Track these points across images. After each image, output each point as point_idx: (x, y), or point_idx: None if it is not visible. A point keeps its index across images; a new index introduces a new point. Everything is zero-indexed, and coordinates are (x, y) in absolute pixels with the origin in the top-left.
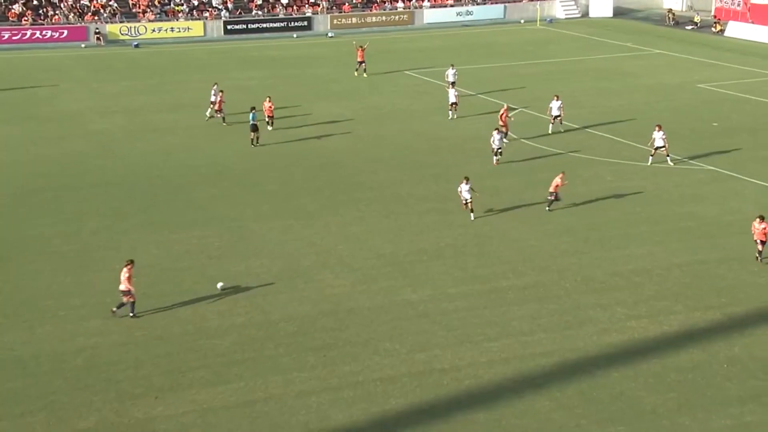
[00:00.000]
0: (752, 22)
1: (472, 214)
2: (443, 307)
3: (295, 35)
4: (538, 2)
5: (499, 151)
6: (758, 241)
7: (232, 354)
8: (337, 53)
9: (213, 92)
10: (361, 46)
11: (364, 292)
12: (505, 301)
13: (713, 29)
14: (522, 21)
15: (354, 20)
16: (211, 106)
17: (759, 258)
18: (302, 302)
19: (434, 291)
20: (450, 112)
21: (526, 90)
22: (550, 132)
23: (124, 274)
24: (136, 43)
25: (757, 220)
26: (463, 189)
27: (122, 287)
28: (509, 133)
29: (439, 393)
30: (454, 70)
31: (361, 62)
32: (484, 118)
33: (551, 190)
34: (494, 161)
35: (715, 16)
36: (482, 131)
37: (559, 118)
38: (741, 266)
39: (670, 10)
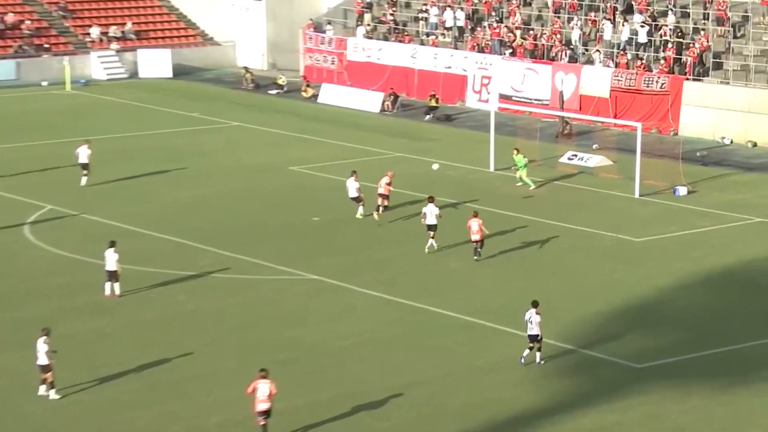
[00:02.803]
0: (350, 85)
1: None
2: None
3: None
4: (66, 58)
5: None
6: (475, 240)
7: None
8: None
9: None
10: None
11: None
12: None
13: (304, 93)
14: (44, 83)
15: None
16: None
17: (478, 255)
18: None
19: None
20: None
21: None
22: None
23: None
24: None
25: (473, 217)
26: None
27: None
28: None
29: None
30: None
31: None
32: None
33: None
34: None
35: (304, 78)
36: None
37: None
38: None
39: (246, 70)
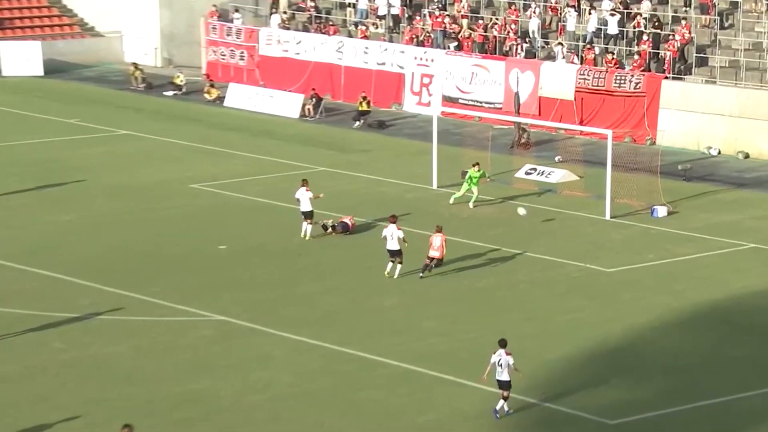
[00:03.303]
0: (263, 85)
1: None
2: None
3: None
4: None
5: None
6: (432, 257)
7: None
8: None
9: None
10: None
11: None
12: None
13: (207, 95)
14: None
15: None
16: None
17: (427, 271)
18: None
19: None
20: None
21: None
22: None
23: None
24: None
25: (436, 232)
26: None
27: None
28: None
29: None
30: None
31: None
32: None
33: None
34: None
35: (207, 76)
36: None
37: None
38: None
39: (136, 67)
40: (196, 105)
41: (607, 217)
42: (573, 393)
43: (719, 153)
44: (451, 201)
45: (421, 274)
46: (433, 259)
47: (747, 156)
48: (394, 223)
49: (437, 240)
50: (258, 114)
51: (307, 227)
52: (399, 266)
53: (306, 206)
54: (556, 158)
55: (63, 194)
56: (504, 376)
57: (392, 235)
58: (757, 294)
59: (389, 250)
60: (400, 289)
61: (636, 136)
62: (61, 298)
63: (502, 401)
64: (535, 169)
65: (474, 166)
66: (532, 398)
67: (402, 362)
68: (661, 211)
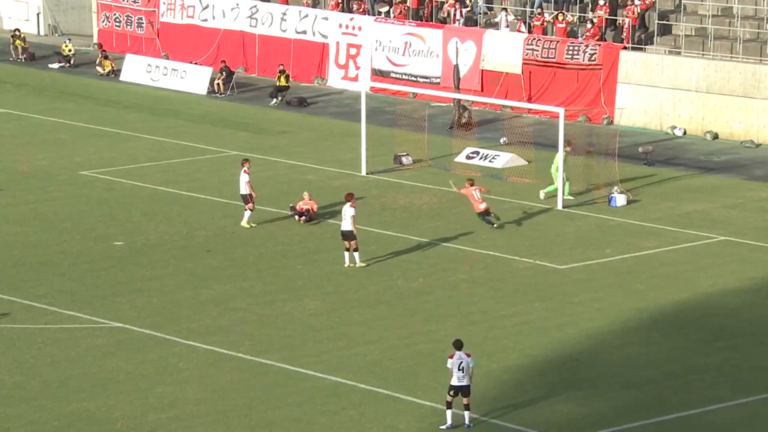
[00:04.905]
0: (166, 57)
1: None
2: None
3: None
4: None
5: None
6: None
7: None
8: None
9: None
10: None
11: None
12: None
13: (99, 69)
14: None
15: None
16: None
17: (496, 220)
18: None
19: None
20: None
21: None
22: None
23: None
24: None
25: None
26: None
27: None
28: None
29: None
30: None
31: None
32: None
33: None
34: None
35: (100, 46)
36: None
37: None
38: None
39: (16, 36)
40: (86, 79)
41: (559, 206)
42: (521, 407)
43: (684, 133)
44: (542, 196)
45: (495, 225)
46: (483, 211)
47: (716, 137)
48: (350, 200)
49: (476, 193)
50: (159, 90)
51: (245, 213)
52: (356, 253)
53: (243, 189)
54: (502, 140)
55: None
56: (465, 381)
57: (348, 215)
58: (727, 293)
59: (342, 232)
60: (322, 290)
61: (591, 114)
62: None
63: (467, 413)
64: (477, 153)
65: (567, 146)
66: (474, 413)
67: (326, 374)
68: (620, 199)
